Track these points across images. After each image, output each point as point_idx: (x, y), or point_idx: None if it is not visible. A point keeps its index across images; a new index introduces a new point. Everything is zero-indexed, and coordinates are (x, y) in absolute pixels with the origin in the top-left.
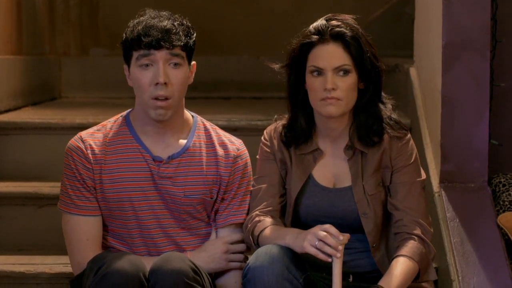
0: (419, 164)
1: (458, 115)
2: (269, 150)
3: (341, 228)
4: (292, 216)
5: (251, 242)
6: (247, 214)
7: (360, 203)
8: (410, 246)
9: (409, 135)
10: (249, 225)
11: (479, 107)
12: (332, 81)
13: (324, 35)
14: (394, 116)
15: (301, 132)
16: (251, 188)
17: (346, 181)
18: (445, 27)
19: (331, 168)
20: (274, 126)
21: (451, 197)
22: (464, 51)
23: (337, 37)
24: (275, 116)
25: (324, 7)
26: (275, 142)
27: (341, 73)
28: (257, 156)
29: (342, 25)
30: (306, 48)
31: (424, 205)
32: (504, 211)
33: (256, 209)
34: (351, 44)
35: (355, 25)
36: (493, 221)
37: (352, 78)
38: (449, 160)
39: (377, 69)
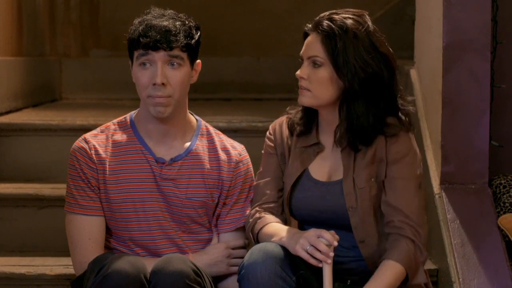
0: (416, 161)
1: (458, 116)
2: (272, 144)
3: (333, 226)
4: (288, 210)
5: (251, 239)
6: None
7: (349, 197)
8: (400, 249)
9: (406, 131)
10: (250, 221)
11: (480, 108)
12: (303, 70)
13: (313, 26)
14: (390, 120)
15: (304, 124)
16: (253, 194)
17: (339, 175)
18: (446, 28)
19: (329, 162)
20: (285, 118)
21: (452, 198)
22: (464, 52)
23: (318, 29)
24: (287, 108)
25: (324, 8)
26: (278, 135)
27: (313, 64)
28: (262, 151)
29: (336, 19)
30: (304, 37)
31: (417, 204)
32: (504, 213)
33: (257, 203)
34: (326, 38)
35: (353, 23)
36: (494, 222)
37: (324, 71)
38: (449, 161)
39: (357, 71)
